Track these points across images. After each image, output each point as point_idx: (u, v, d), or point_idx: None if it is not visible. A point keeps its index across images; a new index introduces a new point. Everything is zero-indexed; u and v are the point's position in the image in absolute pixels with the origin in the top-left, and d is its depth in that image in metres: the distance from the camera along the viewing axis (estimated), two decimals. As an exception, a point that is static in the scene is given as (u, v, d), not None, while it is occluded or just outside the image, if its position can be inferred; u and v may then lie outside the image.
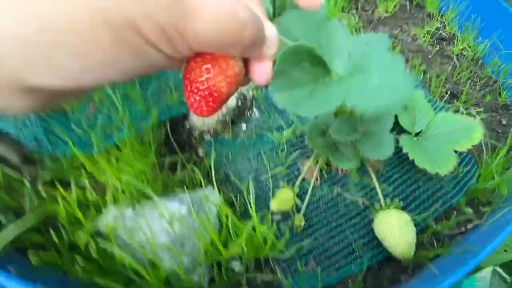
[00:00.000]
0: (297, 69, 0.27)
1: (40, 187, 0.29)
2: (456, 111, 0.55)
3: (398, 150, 0.41)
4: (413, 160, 0.38)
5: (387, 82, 0.26)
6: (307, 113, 0.26)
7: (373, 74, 0.27)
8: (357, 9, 0.72)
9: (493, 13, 0.68)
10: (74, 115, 0.36)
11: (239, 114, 0.46)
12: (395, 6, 0.73)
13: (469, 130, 0.41)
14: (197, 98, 0.18)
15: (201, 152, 0.42)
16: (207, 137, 0.43)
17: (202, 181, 0.33)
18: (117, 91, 0.37)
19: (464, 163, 0.44)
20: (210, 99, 0.19)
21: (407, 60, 0.63)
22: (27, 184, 0.30)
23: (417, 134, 0.43)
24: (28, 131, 0.30)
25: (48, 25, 0.12)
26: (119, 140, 0.33)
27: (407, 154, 0.39)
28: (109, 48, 0.13)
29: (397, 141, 0.44)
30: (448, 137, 0.41)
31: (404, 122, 0.43)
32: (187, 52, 0.15)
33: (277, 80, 0.25)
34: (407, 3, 0.78)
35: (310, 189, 0.37)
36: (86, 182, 0.29)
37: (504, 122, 0.57)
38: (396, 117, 0.43)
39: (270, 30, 0.19)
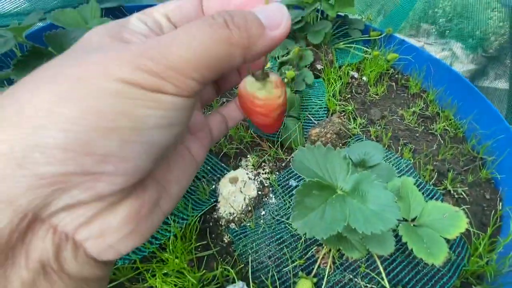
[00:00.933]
0: (309, 197, 0.34)
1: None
2: (445, 188, 0.63)
3: (398, 235, 0.48)
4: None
5: (381, 210, 0.33)
6: (320, 235, 0.32)
7: (370, 201, 0.34)
8: (351, 92, 0.84)
9: (467, 95, 0.79)
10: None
11: (258, 201, 0.53)
12: (383, 89, 0.85)
13: (455, 219, 0.48)
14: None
15: (226, 239, 0.48)
16: (232, 225, 0.49)
17: (235, 277, 0.39)
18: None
19: (455, 244, 0.51)
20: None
21: (398, 140, 0.73)
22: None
23: (412, 220, 0.50)
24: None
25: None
26: (163, 242, 0.39)
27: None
28: (123, 109, 0.13)
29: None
30: (439, 225, 0.48)
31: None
32: (190, 85, 0.14)
33: (295, 211, 0.33)
34: (394, 84, 0.90)
35: (325, 278, 0.43)
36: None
37: (487, 196, 0.65)
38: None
39: (262, 11, 0.16)
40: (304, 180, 0.35)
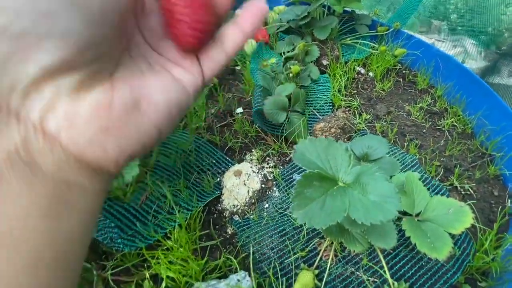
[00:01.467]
0: (310, 188, 0.35)
1: (108, 276, 0.36)
2: (451, 184, 0.63)
3: (402, 230, 0.48)
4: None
5: (381, 201, 0.33)
6: (320, 225, 0.33)
7: (371, 192, 0.35)
8: (357, 88, 0.83)
9: (476, 91, 0.78)
10: (129, 205, 0.44)
11: (262, 195, 0.54)
12: (390, 85, 0.85)
13: (461, 214, 0.47)
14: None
15: (229, 230, 0.49)
16: (236, 217, 0.50)
17: (238, 267, 0.40)
18: (165, 183, 0.46)
19: (460, 240, 0.50)
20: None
21: (404, 135, 0.72)
22: (95, 273, 0.37)
23: (417, 214, 0.50)
24: (105, 233, 0.38)
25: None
26: (169, 230, 0.40)
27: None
28: None
29: (399, 219, 0.51)
30: (443, 220, 0.48)
31: (404, 206, 0.50)
32: None
33: (295, 201, 0.33)
34: (401, 79, 0.89)
35: (327, 270, 0.43)
36: (146, 273, 0.35)
37: (495, 193, 0.64)
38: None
39: None
40: (305, 172, 0.35)
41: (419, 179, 0.56)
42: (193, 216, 0.45)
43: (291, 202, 0.34)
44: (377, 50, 0.90)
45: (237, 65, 0.86)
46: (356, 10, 0.99)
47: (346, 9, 0.96)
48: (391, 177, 0.50)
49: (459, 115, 0.79)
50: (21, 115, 0.13)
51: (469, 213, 0.48)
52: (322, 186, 0.37)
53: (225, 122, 0.69)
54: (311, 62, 0.82)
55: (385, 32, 0.96)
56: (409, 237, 0.45)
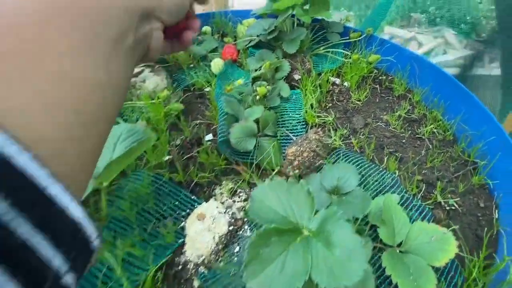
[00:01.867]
0: (266, 247, 0.30)
1: None
2: (434, 201, 0.59)
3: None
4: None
5: (346, 256, 0.29)
6: None
7: (335, 244, 0.30)
8: (333, 101, 0.80)
9: (453, 92, 0.75)
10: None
11: (231, 237, 0.49)
12: (367, 94, 0.81)
13: (444, 242, 0.44)
14: None
15: (196, 284, 0.45)
16: (201, 269, 0.45)
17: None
18: (118, 241, 0.41)
19: (447, 268, 0.46)
20: None
21: (383, 149, 0.69)
22: None
23: (398, 245, 0.46)
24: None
25: None
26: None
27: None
28: None
29: (380, 250, 0.47)
30: (426, 249, 0.44)
31: (384, 236, 0.46)
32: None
33: (249, 267, 0.29)
34: (378, 86, 0.86)
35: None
36: None
37: (481, 204, 0.60)
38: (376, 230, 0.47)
39: None
40: (260, 229, 0.31)
41: (399, 202, 0.52)
42: (149, 276, 0.40)
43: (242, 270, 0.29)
44: (350, 58, 0.87)
45: (206, 88, 0.82)
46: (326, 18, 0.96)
47: (317, 17, 0.92)
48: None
49: (439, 120, 0.76)
50: (149, 28, 0.26)
51: (452, 240, 0.44)
52: (282, 241, 0.32)
53: (191, 154, 0.65)
54: (282, 78, 0.78)
55: (358, 39, 0.93)
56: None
